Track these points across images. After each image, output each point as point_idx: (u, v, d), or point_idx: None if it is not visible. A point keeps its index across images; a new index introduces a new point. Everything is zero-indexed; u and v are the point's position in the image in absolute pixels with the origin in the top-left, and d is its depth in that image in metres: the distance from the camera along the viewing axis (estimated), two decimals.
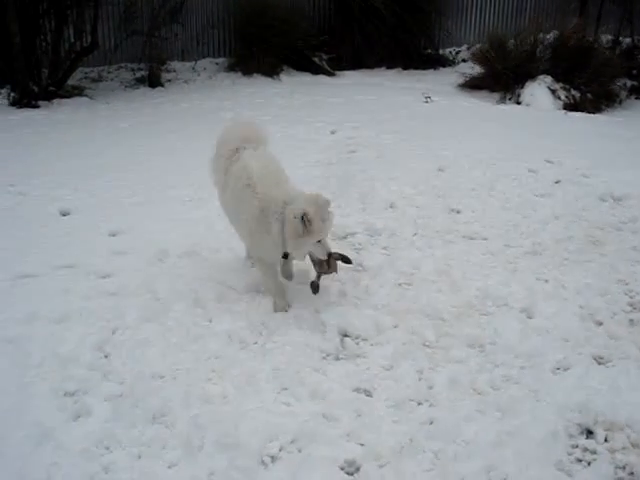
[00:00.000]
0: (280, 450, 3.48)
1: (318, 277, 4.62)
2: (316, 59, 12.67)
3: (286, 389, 3.89)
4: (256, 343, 4.32)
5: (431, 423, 3.65)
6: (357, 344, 4.30)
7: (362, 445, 3.50)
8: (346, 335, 4.38)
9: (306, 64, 12.58)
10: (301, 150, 7.83)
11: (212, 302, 4.71)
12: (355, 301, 4.74)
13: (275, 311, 4.65)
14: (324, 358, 4.19)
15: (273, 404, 3.79)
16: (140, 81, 11.71)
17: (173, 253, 5.38)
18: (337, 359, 4.19)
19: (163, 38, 11.83)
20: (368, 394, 3.88)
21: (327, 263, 4.55)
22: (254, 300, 4.75)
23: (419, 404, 3.80)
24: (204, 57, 12.90)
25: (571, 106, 10.77)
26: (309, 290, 4.71)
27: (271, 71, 12.08)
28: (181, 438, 3.55)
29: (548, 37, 11.99)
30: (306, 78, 12.15)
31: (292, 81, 11.87)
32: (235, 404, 3.78)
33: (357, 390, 3.90)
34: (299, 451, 3.48)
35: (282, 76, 12.06)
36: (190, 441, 3.52)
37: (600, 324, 4.57)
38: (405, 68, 13.18)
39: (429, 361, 4.13)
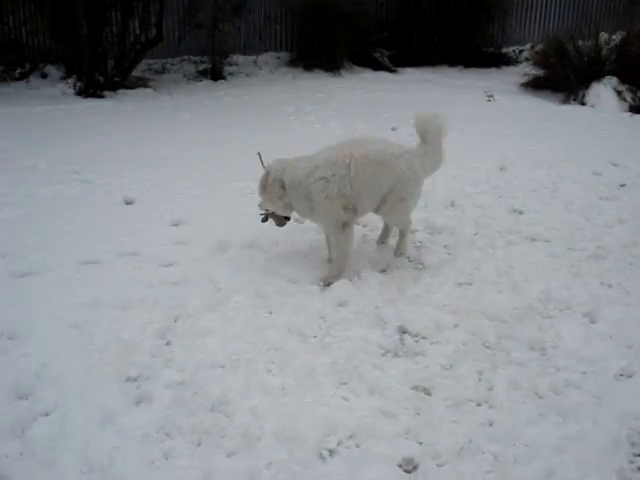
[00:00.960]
0: (338, 444, 3.48)
1: None
2: (377, 55, 12.66)
3: (345, 384, 3.90)
4: (315, 337, 4.33)
5: (491, 425, 3.62)
6: (417, 342, 4.29)
7: (420, 443, 3.49)
8: (406, 332, 4.37)
9: (367, 60, 12.57)
10: None
11: (272, 294, 4.75)
12: (415, 299, 4.72)
13: (331, 277, 4.92)
14: (383, 355, 4.18)
15: (332, 398, 3.79)
16: (203, 74, 11.86)
17: (234, 244, 5.43)
18: (396, 356, 4.17)
19: (226, 32, 11.94)
20: (427, 392, 3.86)
21: None
22: (314, 294, 4.77)
23: (478, 405, 3.77)
24: (266, 51, 13.00)
25: (637, 108, 10.55)
26: (369, 287, 4.75)
27: (332, 66, 12.10)
28: (240, 428, 3.57)
29: (614, 38, 11.78)
30: (367, 74, 12.14)
31: (353, 77, 11.87)
32: (294, 397, 3.80)
33: (416, 388, 3.88)
34: (357, 446, 3.48)
35: (343, 72, 12.07)
36: (249, 431, 3.54)
37: None
38: (467, 66, 13.08)
39: (489, 362, 4.09)
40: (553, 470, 3.32)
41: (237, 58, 12.63)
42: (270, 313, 4.57)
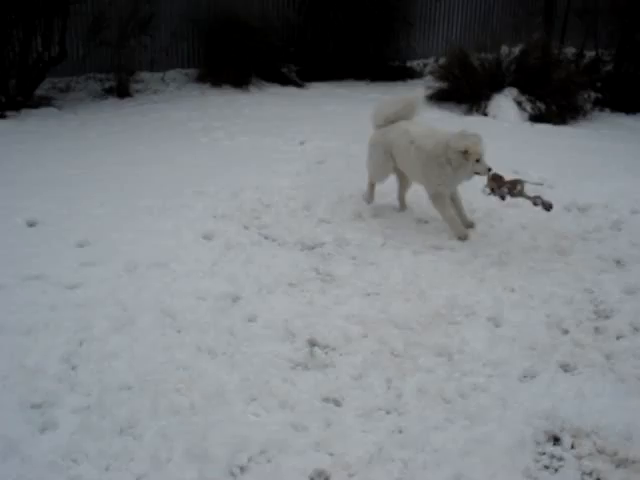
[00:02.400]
0: (249, 461, 3.48)
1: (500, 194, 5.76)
2: (285, 70, 12.69)
3: (255, 400, 3.89)
4: (225, 354, 4.30)
5: (400, 432, 3.67)
6: (326, 354, 4.31)
7: (331, 455, 3.51)
8: (315, 345, 4.39)
9: (275, 75, 12.58)
10: (270, 161, 7.82)
11: (181, 313, 4.70)
12: (324, 311, 4.76)
13: (458, 237, 5.85)
14: (293, 368, 4.19)
15: (242, 415, 3.78)
16: (109, 91, 11.63)
17: (142, 264, 5.34)
18: (306, 369, 4.19)
19: (132, 48, 11.78)
20: (337, 404, 3.89)
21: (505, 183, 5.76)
22: (223, 310, 4.75)
23: (388, 413, 3.82)
24: (173, 68, 12.85)
25: (537, 118, 10.92)
26: (278, 301, 4.78)
27: (240, 82, 12.06)
28: (149, 450, 3.52)
29: (514, 50, 12.17)
30: (275, 89, 12.16)
31: (261, 92, 11.87)
32: (204, 415, 3.77)
33: (326, 400, 3.91)
34: (268, 461, 3.48)
35: (251, 87, 12.04)
36: (158, 453, 3.50)
37: (566, 332, 4.64)
38: (373, 80, 13.25)
39: (398, 370, 4.15)
40: (461, 473, 3.40)
41: (144, 75, 12.44)
42: (178, 332, 4.52)
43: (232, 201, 6.55)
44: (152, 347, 4.34)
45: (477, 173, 5.80)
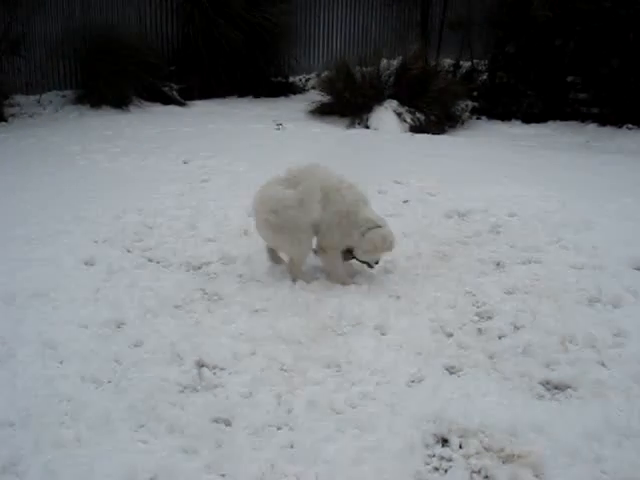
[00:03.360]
0: None
1: None
2: (166, 89, 12.56)
3: (143, 426, 3.79)
4: (110, 382, 4.18)
5: (291, 447, 3.65)
6: (215, 374, 4.26)
7: (223, 476, 3.46)
8: (203, 366, 4.32)
9: (156, 94, 12.43)
10: (153, 181, 7.72)
11: (63, 343, 4.52)
12: (211, 331, 4.70)
13: (346, 284, 5.38)
14: (181, 391, 4.11)
15: (130, 443, 3.67)
16: None
17: (20, 294, 5.12)
18: (195, 391, 4.12)
19: (5, 71, 11.38)
20: (227, 423, 3.84)
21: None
22: (107, 337, 4.62)
23: (279, 429, 3.80)
24: (50, 90, 12.48)
25: (417, 128, 11.23)
26: (164, 323, 4.70)
27: (120, 102, 11.85)
28: None
29: (393, 63, 12.47)
30: (157, 108, 12.01)
31: (142, 112, 11.70)
32: (90, 447, 3.64)
33: (216, 421, 3.85)
34: None
35: (132, 107, 11.85)
36: None
37: (450, 335, 4.75)
38: (256, 96, 13.31)
39: (287, 385, 4.14)
40: None
41: (19, 98, 12.03)
42: (61, 363, 4.35)
43: (114, 224, 6.41)
44: (33, 380, 4.15)
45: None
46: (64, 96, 12.31)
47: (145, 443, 3.68)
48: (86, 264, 5.66)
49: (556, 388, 4.20)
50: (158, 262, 5.76)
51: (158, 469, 3.48)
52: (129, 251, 5.94)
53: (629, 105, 11.84)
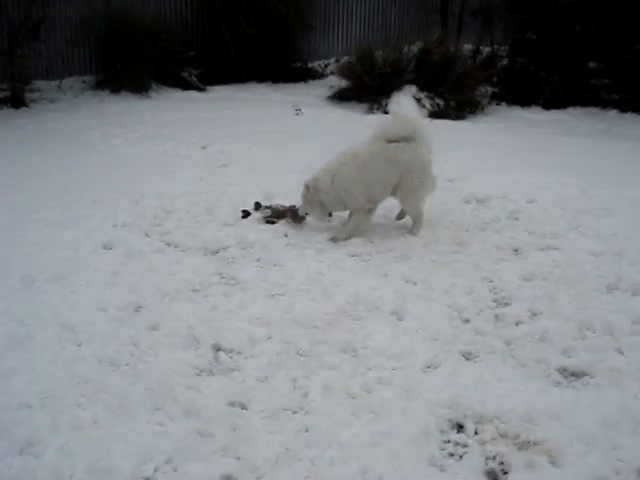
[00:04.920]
0: (155, 471, 3.40)
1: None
2: (185, 74, 12.57)
3: (159, 409, 3.82)
4: (127, 364, 4.21)
5: (307, 431, 3.67)
6: (231, 358, 4.28)
7: (238, 459, 3.48)
8: (220, 349, 4.35)
9: (175, 80, 12.46)
10: (172, 166, 7.75)
11: (81, 325, 4.57)
12: (228, 315, 4.72)
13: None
14: (198, 374, 4.13)
15: (146, 425, 3.70)
16: (3, 102, 11.25)
17: (39, 278, 5.18)
18: (211, 374, 4.14)
19: (25, 56, 11.43)
20: (243, 407, 3.86)
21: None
22: (125, 321, 4.66)
23: (294, 413, 3.81)
24: (70, 75, 12.53)
25: (436, 114, 11.17)
26: (182, 307, 4.73)
27: (140, 88, 11.88)
28: (50, 468, 3.40)
29: (413, 49, 12.40)
30: (176, 94, 12.03)
31: (162, 97, 11.73)
32: (106, 428, 3.68)
33: (232, 404, 3.87)
34: (174, 470, 3.42)
35: (151, 93, 11.89)
36: (60, 470, 3.39)
37: (467, 321, 4.74)
38: (275, 82, 13.29)
39: (303, 369, 4.15)
40: (368, 467, 3.42)
41: (40, 84, 12.10)
42: (79, 345, 4.40)
43: (132, 209, 6.45)
44: (52, 362, 4.20)
45: None
46: (84, 81, 12.36)
47: (161, 425, 3.71)
48: (105, 248, 5.70)
49: (573, 375, 4.18)
50: (176, 246, 5.79)
51: (174, 451, 3.51)
52: (147, 235, 5.97)
53: None
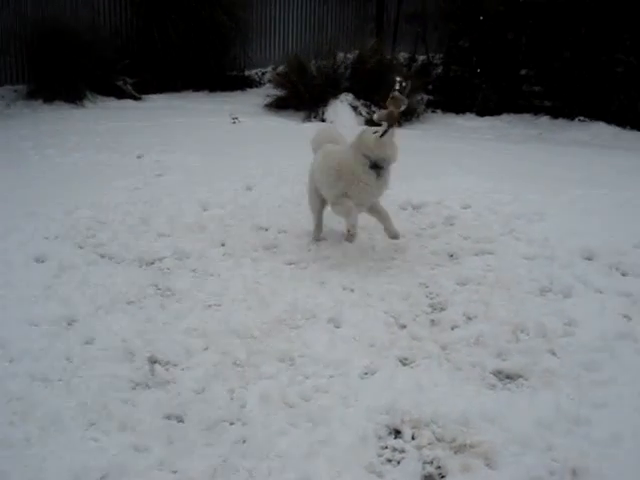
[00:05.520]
0: None
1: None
2: (120, 83, 12.41)
3: (94, 424, 3.75)
4: (61, 380, 4.11)
5: (244, 442, 3.65)
6: (167, 370, 4.22)
7: (174, 472, 3.44)
8: (156, 362, 4.29)
9: (110, 89, 12.28)
10: (106, 176, 7.62)
11: (12, 341, 4.44)
12: (164, 327, 4.66)
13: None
14: (133, 388, 4.07)
15: (80, 442, 3.63)
16: None
17: None
18: (147, 388, 4.08)
19: None
20: (180, 420, 3.81)
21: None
22: (58, 335, 4.56)
23: (231, 424, 3.78)
24: (1, 85, 12.27)
25: (372, 121, 11.22)
26: (116, 320, 4.65)
27: (74, 97, 11.67)
28: None
29: (349, 57, 12.49)
30: (111, 103, 11.88)
31: (96, 106, 11.56)
32: (39, 446, 3.59)
33: (168, 417, 3.82)
34: None
35: (86, 102, 11.69)
36: None
37: (404, 327, 4.77)
38: (212, 90, 13.23)
39: (240, 380, 4.12)
40: (305, 476, 3.42)
41: None
42: (10, 361, 4.27)
43: (66, 220, 6.32)
44: None
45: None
46: (16, 91, 12.09)
47: (96, 441, 3.64)
48: (37, 261, 5.58)
49: (508, 377, 4.25)
50: (111, 258, 5.70)
51: (109, 467, 3.44)
52: (81, 247, 5.86)
53: (581, 98, 12.01)
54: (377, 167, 5.57)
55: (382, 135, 5.52)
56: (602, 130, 11.58)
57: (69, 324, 4.71)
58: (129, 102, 12.11)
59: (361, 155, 5.56)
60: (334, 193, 5.65)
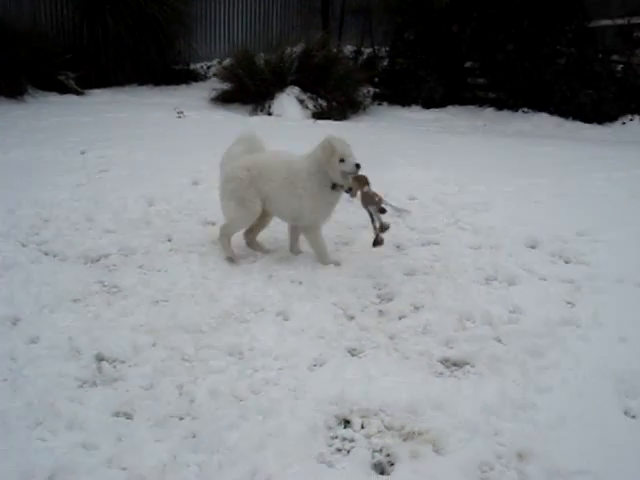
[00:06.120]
0: None
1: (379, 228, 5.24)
2: (62, 78, 12.22)
3: (40, 424, 3.68)
4: (6, 380, 4.03)
5: (194, 436, 3.63)
6: (114, 367, 4.18)
7: (124, 469, 3.40)
8: (103, 359, 4.23)
9: (52, 84, 12.10)
10: (49, 173, 7.50)
11: None
12: (110, 323, 4.61)
13: (327, 263, 5.49)
14: (80, 386, 4.01)
15: (27, 441, 3.57)
16: None
17: None
18: (94, 385, 4.03)
19: None
20: (128, 417, 3.77)
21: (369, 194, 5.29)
22: (2, 335, 4.46)
23: (181, 419, 3.76)
24: None
25: (319, 114, 11.30)
26: (62, 319, 4.59)
27: (14, 92, 11.46)
28: None
29: (295, 50, 12.49)
30: (53, 98, 11.68)
31: (38, 102, 11.36)
32: None
33: (117, 414, 3.78)
34: None
35: (27, 97, 11.49)
36: None
37: (352, 318, 4.80)
38: (156, 84, 13.13)
39: (189, 375, 4.10)
40: (257, 468, 3.42)
41: None
42: None
43: (8, 218, 6.19)
44: None
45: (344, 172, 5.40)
46: None
47: (43, 441, 3.58)
48: None
49: (455, 365, 4.31)
50: (55, 255, 5.61)
51: (57, 466, 3.40)
52: (24, 245, 5.75)
53: (524, 89, 12.23)
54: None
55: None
56: (545, 121, 11.82)
57: (13, 323, 4.62)
58: (72, 97, 11.94)
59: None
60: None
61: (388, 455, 3.58)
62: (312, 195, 5.43)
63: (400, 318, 4.82)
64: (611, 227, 6.30)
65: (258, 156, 5.64)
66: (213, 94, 12.09)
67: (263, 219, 5.71)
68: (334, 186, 5.44)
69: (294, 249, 5.78)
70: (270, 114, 11.11)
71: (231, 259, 5.52)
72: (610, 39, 12.70)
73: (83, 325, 4.58)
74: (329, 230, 6.09)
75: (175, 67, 13.69)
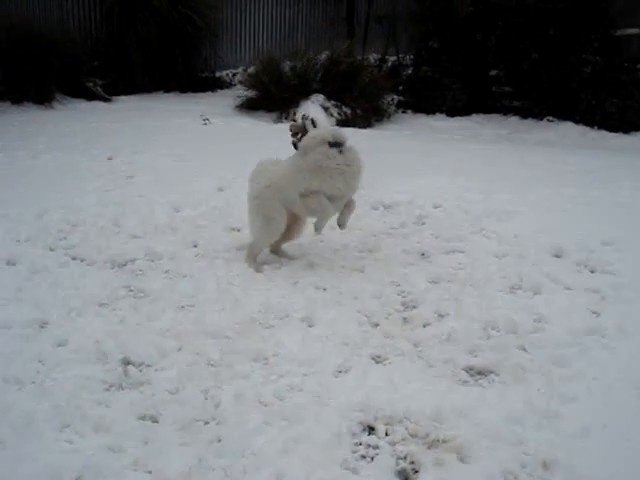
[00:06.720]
0: None
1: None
2: (90, 85, 12.38)
3: (67, 426, 3.73)
4: (33, 382, 4.09)
5: (219, 441, 3.65)
6: (140, 371, 4.22)
7: (150, 472, 3.43)
8: (129, 363, 4.27)
9: (80, 90, 12.26)
10: (77, 178, 7.60)
11: None
12: (137, 328, 4.65)
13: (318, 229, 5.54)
14: (107, 389, 4.05)
15: (55, 443, 3.60)
16: None
17: None
18: (121, 389, 4.07)
19: None
20: (154, 420, 3.81)
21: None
22: (29, 338, 4.53)
23: (206, 423, 3.78)
24: None
25: (343, 122, 11.32)
26: (89, 322, 4.64)
27: (43, 99, 11.64)
28: None
29: (320, 58, 12.54)
30: (81, 104, 11.83)
31: (66, 108, 11.51)
32: (13, 449, 3.55)
33: (143, 418, 3.81)
34: None
35: (55, 104, 11.65)
36: None
37: (376, 325, 4.81)
38: (183, 91, 13.24)
39: (214, 380, 4.13)
40: (281, 473, 3.42)
41: None
42: None
43: (36, 223, 6.28)
44: None
45: None
46: None
47: (70, 443, 3.62)
48: (8, 264, 5.53)
49: (479, 373, 4.30)
50: (82, 260, 5.67)
51: (84, 468, 3.43)
52: (52, 249, 5.83)
53: (549, 98, 12.19)
54: None
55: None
56: (570, 130, 11.76)
57: (41, 327, 4.68)
58: (99, 103, 12.07)
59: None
60: None
61: (412, 462, 3.57)
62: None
63: (424, 326, 4.82)
64: (637, 237, 6.26)
65: (274, 170, 5.71)
66: (238, 101, 12.16)
67: (289, 230, 5.73)
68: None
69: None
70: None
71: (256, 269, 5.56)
72: (636, 48, 12.63)
73: (110, 329, 4.63)
74: (353, 237, 6.14)
75: (201, 74, 13.81)
